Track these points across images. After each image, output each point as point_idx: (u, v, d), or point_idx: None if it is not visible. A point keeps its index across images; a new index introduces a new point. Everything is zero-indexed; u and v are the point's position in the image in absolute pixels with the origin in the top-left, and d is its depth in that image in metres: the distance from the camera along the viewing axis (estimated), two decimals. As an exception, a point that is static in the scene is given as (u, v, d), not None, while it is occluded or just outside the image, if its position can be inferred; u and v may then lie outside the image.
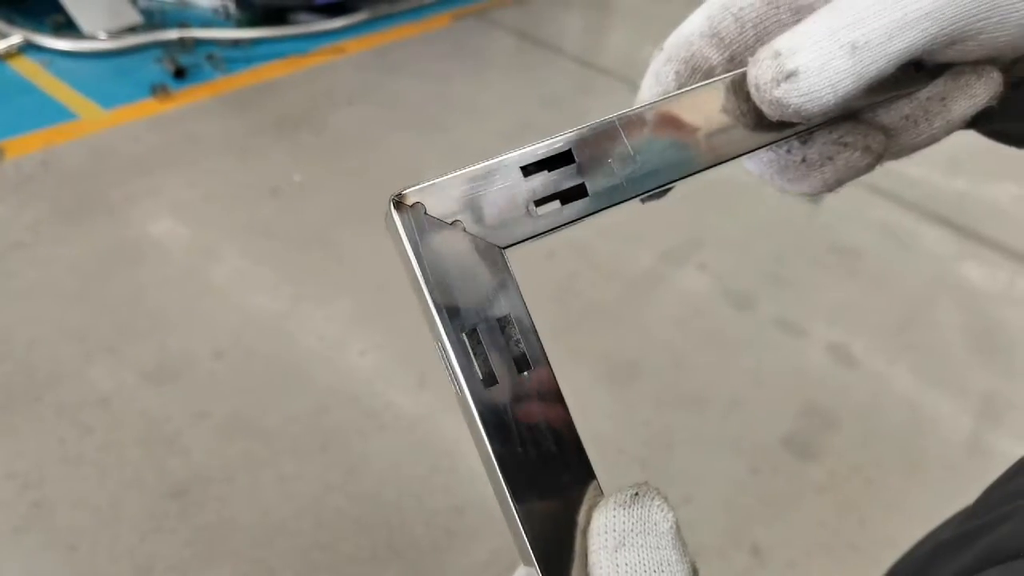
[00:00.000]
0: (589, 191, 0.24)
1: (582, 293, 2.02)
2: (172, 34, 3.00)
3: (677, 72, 0.27)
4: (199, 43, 3.01)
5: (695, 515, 1.51)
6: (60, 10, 2.94)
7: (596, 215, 0.25)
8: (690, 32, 0.28)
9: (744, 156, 0.27)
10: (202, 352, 1.72)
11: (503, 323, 0.23)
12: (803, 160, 0.28)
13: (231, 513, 1.41)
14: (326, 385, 1.68)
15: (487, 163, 0.23)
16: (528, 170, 0.24)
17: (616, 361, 1.83)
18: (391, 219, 0.22)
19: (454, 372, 0.22)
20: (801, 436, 1.70)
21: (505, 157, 0.23)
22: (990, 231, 2.48)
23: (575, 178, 0.24)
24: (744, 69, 0.25)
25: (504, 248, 0.23)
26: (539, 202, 0.24)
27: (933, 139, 0.28)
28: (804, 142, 0.28)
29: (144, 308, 1.83)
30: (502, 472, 0.22)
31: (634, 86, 0.30)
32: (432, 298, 0.22)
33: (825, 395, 1.81)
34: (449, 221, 0.23)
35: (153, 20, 3.17)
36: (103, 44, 2.94)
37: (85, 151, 2.39)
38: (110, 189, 2.22)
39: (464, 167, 0.23)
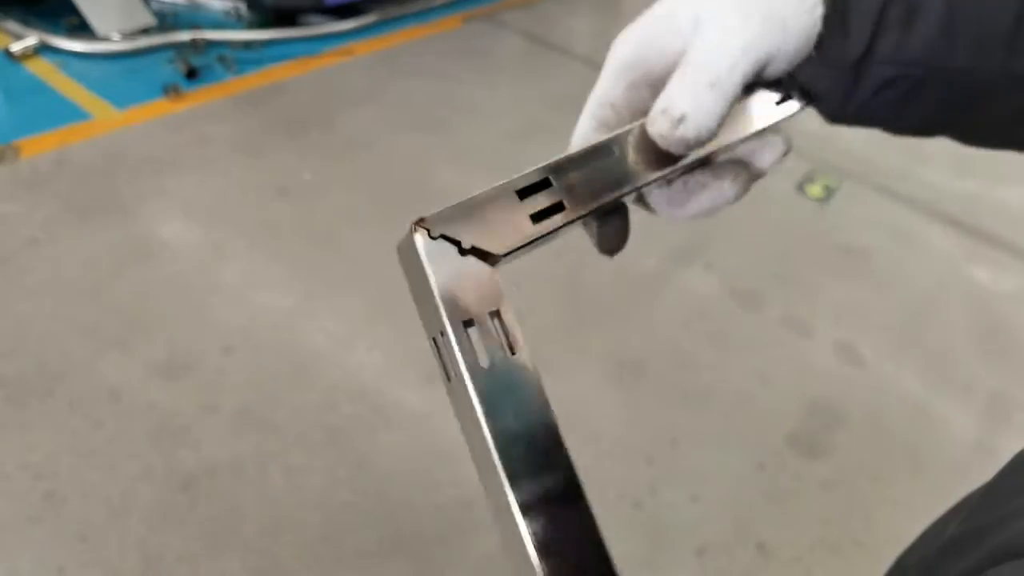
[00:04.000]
0: (566, 206, 0.31)
1: (589, 292, 2.03)
2: (184, 36, 3.03)
3: (595, 129, 0.37)
4: (211, 44, 3.05)
5: (701, 512, 1.52)
6: (74, 12, 2.98)
7: (570, 225, 0.32)
8: (584, 131, 0.37)
9: (652, 183, 0.34)
10: (211, 347, 1.74)
11: (495, 323, 0.28)
12: (684, 189, 0.36)
13: (239, 505, 1.43)
14: (334, 381, 1.69)
15: (488, 189, 0.30)
16: (520, 193, 0.30)
17: (623, 359, 1.84)
18: (410, 239, 0.28)
19: (453, 360, 0.28)
20: (807, 434, 1.70)
21: (501, 184, 0.30)
22: (999, 232, 2.47)
23: (555, 197, 0.31)
24: (638, 124, 0.33)
25: (502, 256, 0.29)
26: (531, 216, 0.30)
27: (789, 150, 0.38)
28: (688, 173, 0.36)
29: (155, 304, 1.85)
30: (495, 446, 0.27)
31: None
32: (442, 301, 0.28)
33: (831, 394, 1.81)
34: (457, 238, 0.29)
35: (165, 22, 3.21)
36: (116, 45, 2.97)
37: (98, 150, 2.42)
38: (122, 188, 2.25)
39: (468, 194, 0.29)
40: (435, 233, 0.28)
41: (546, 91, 3.02)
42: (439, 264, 0.28)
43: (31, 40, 2.89)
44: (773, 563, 1.45)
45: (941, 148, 3.02)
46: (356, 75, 3.06)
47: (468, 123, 2.77)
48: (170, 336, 1.77)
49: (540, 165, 0.31)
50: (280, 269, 2.00)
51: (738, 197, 0.36)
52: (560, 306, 1.97)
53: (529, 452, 0.27)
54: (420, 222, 0.28)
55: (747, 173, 0.36)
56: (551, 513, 0.27)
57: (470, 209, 0.29)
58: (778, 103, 0.37)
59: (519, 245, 0.30)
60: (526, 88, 3.09)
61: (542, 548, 0.26)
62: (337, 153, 2.53)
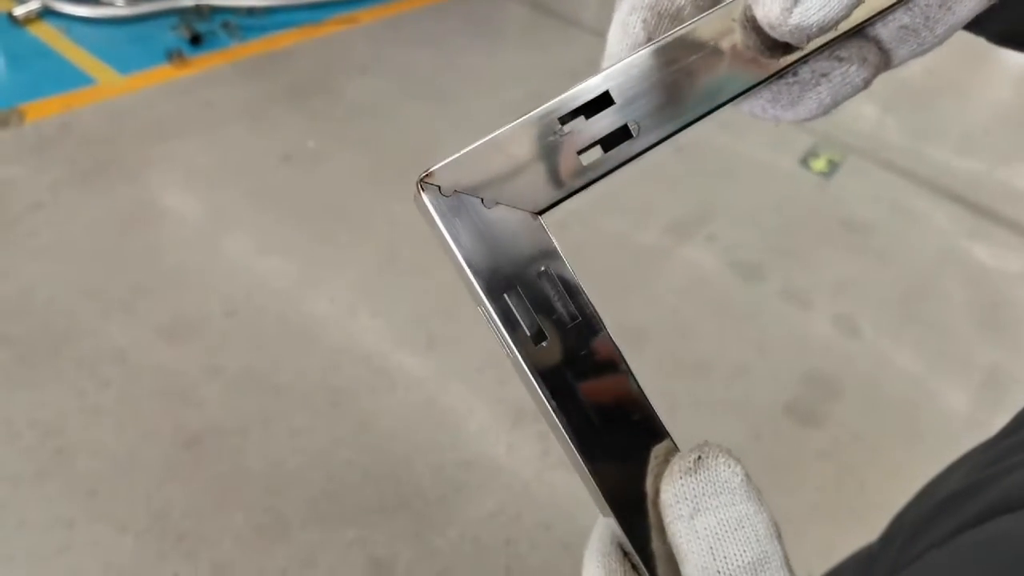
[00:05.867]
0: (634, 131, 0.23)
1: (591, 263, 2.03)
2: (188, 1, 3.01)
3: (644, 20, 0.25)
4: (215, 11, 3.02)
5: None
6: (78, -24, 2.96)
7: (641, 156, 0.24)
8: None
9: (757, 87, 0.25)
10: (215, 310, 1.76)
11: (544, 282, 0.22)
12: (796, 82, 0.26)
13: (244, 463, 1.46)
14: (337, 345, 1.71)
15: (517, 122, 0.23)
16: (564, 120, 0.23)
17: (623, 328, 1.85)
18: (420, 200, 0.22)
19: (502, 335, 0.22)
20: (804, 404, 1.72)
21: (535, 112, 0.23)
22: (1002, 210, 2.47)
23: (617, 119, 0.23)
24: (737, 1, 0.24)
25: (539, 213, 0.23)
26: (581, 151, 0.23)
27: (935, 46, 0.26)
28: (804, 63, 0.26)
29: (159, 268, 1.87)
30: (567, 429, 0.22)
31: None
32: (470, 269, 0.22)
33: (829, 365, 1.82)
34: (479, 195, 0.22)
35: (169, -13, 3.18)
36: (120, 10, 2.95)
37: (103, 115, 2.42)
38: (127, 152, 2.25)
39: (493, 130, 0.22)
40: (447, 190, 0.22)
41: (550, 62, 3.00)
42: (462, 224, 0.22)
43: (34, 4, 2.87)
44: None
45: (946, 126, 3.00)
46: (360, 42, 3.04)
47: (472, 92, 2.76)
48: (174, 299, 1.78)
49: (596, 75, 0.23)
50: (284, 234, 2.02)
51: (867, 84, 0.26)
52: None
53: (609, 430, 0.23)
54: (427, 177, 0.22)
55: (877, 52, 0.26)
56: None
57: (494, 151, 0.22)
58: None
59: (564, 195, 0.23)
60: (531, 58, 3.07)
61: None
62: (341, 120, 2.53)
